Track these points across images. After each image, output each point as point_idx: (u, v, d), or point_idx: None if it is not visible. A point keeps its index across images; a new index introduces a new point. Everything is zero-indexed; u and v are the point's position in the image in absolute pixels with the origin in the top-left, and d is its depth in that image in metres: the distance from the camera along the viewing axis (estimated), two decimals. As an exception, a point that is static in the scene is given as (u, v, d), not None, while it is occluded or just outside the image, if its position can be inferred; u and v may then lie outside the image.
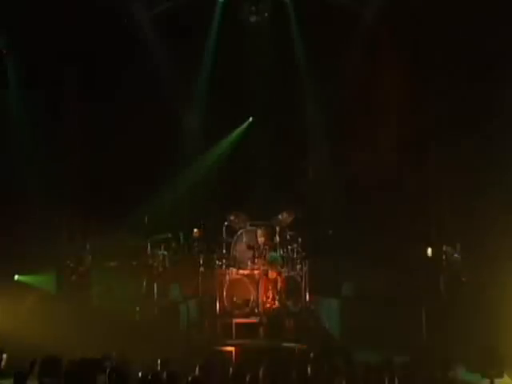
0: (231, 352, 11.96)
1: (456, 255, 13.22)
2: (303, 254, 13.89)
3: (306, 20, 15.25)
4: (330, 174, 15.68)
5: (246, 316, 13.35)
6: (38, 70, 14.66)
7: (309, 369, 8.21)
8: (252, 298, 13.46)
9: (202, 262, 14.03)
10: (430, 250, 14.82)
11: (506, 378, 8.22)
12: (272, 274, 13.57)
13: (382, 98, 15.59)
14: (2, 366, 10.30)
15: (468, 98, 14.30)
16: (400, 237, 14.60)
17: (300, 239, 13.96)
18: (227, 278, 13.68)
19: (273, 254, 13.88)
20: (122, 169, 15.04)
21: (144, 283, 13.88)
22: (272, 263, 13.73)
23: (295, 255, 13.90)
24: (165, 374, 7.83)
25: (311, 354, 9.16)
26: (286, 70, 15.54)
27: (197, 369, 8.21)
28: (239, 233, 14.21)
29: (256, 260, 13.82)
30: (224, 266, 13.84)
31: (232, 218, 14.23)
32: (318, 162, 16.07)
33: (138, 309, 13.19)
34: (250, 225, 14.31)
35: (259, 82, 15.53)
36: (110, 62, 15.23)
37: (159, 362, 8.80)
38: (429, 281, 13.36)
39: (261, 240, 14.00)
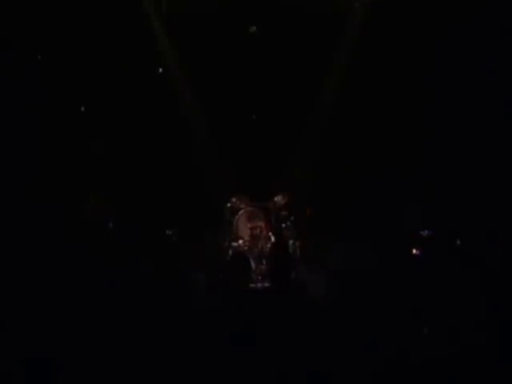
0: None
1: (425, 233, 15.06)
2: (294, 231, 15.82)
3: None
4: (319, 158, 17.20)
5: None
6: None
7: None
8: (252, 268, 15.25)
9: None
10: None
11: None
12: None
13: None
14: None
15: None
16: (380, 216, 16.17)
17: (292, 218, 15.93)
18: (230, 251, 15.62)
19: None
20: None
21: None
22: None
23: (288, 232, 15.86)
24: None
25: None
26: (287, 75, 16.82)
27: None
28: (240, 213, 16.15)
29: (255, 235, 15.83)
30: (227, 242, 15.83)
31: (234, 200, 16.19)
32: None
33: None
34: (250, 206, 16.23)
35: (258, 83, 16.91)
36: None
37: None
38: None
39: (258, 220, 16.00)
